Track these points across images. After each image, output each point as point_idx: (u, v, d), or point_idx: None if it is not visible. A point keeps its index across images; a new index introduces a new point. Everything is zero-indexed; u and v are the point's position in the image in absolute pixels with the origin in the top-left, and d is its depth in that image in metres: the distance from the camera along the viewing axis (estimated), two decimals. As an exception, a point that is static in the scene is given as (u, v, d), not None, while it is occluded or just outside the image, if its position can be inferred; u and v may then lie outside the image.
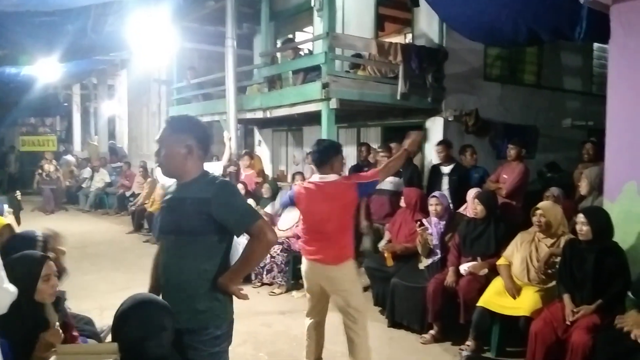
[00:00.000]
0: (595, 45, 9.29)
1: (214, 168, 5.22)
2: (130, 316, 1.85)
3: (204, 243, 2.27)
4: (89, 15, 6.49)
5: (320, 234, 3.47)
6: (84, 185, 13.49)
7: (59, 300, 2.63)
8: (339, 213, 3.44)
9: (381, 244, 5.51)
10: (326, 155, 3.49)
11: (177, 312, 2.07)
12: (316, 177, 3.51)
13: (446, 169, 6.20)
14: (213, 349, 2.26)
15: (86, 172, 13.77)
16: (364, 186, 3.47)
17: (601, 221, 3.60)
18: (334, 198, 3.41)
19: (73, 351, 2.23)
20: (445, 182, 6.13)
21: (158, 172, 5.44)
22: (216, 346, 2.27)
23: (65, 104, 19.23)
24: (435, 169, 6.40)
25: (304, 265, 3.62)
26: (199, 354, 2.23)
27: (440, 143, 6.40)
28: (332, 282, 3.47)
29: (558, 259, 3.91)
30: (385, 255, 5.08)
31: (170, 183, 2.50)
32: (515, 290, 4.03)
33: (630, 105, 3.89)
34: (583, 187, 4.63)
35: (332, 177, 3.45)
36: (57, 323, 2.38)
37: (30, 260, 2.35)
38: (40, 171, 12.81)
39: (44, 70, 11.22)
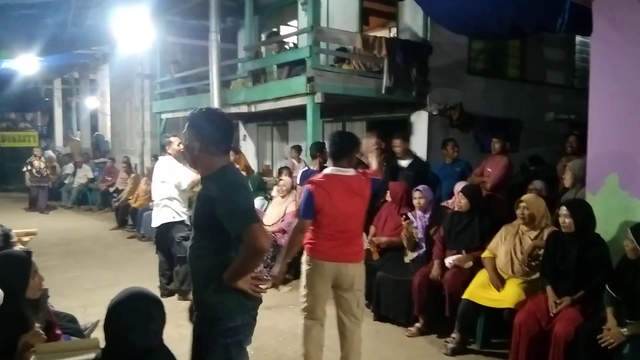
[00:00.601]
0: (577, 39, 9.39)
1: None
2: (119, 307, 1.86)
3: (211, 239, 2.30)
4: (69, 8, 6.40)
5: (346, 230, 3.30)
6: (66, 182, 13.30)
7: (41, 298, 2.59)
8: (363, 208, 3.37)
9: (365, 239, 5.51)
10: (346, 147, 3.33)
11: (196, 302, 2.35)
12: (334, 170, 3.32)
13: (404, 163, 5.95)
14: (225, 340, 2.30)
15: (68, 168, 13.58)
16: (376, 183, 3.41)
17: (584, 213, 3.64)
18: (359, 193, 3.30)
19: (53, 349, 2.20)
20: (402, 177, 5.83)
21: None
22: (228, 337, 2.31)
23: (47, 99, 18.93)
24: (394, 163, 6.06)
25: (320, 266, 3.31)
26: (212, 343, 2.31)
27: (397, 137, 6.15)
28: (354, 280, 3.35)
29: (541, 252, 3.95)
30: (371, 249, 5.09)
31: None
32: (499, 283, 4.06)
33: (612, 98, 3.93)
34: (567, 180, 4.67)
35: (351, 171, 3.32)
36: (38, 325, 2.35)
37: (17, 258, 2.33)
38: (29, 168, 12.04)
39: (24, 65, 11.04)
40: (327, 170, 3.40)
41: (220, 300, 2.30)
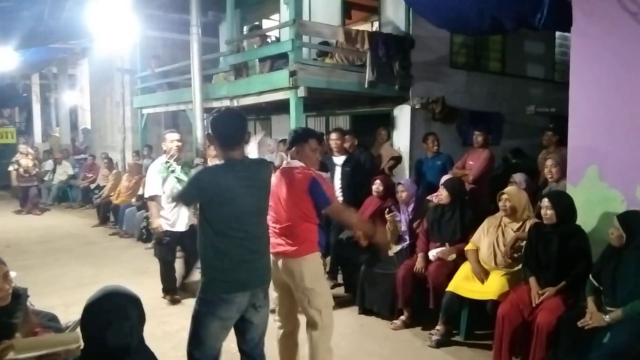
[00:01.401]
0: (557, 33, 9.50)
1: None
2: (94, 306, 1.82)
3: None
4: (46, 0, 6.25)
5: (280, 223, 3.24)
6: (45, 179, 13.06)
7: (19, 298, 2.54)
8: (293, 200, 3.19)
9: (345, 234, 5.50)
10: (293, 139, 3.37)
11: None
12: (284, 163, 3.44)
13: (339, 160, 5.83)
14: (196, 306, 2.73)
15: (48, 164, 13.34)
16: (316, 188, 3.16)
17: (565, 205, 3.69)
18: (290, 184, 3.20)
19: (32, 345, 2.16)
20: (338, 173, 5.79)
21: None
22: (198, 305, 2.72)
23: (24, 95, 18.57)
24: (329, 160, 5.86)
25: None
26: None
27: (334, 131, 6.08)
28: (294, 279, 3.20)
29: (524, 243, 3.99)
30: (359, 235, 5.09)
31: None
32: (483, 275, 4.10)
33: (592, 91, 3.99)
34: (555, 172, 4.68)
35: (295, 162, 3.30)
36: (18, 335, 2.29)
37: None
38: (16, 167, 11.41)
39: (0, 60, 10.79)
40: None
41: (201, 277, 2.79)
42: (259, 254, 2.77)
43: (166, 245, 5.14)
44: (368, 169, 6.22)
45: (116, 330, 1.78)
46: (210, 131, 2.74)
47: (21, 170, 11.35)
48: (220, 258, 2.65)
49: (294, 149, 3.35)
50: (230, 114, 2.80)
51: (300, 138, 3.35)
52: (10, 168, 11.55)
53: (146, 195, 5.36)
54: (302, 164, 3.29)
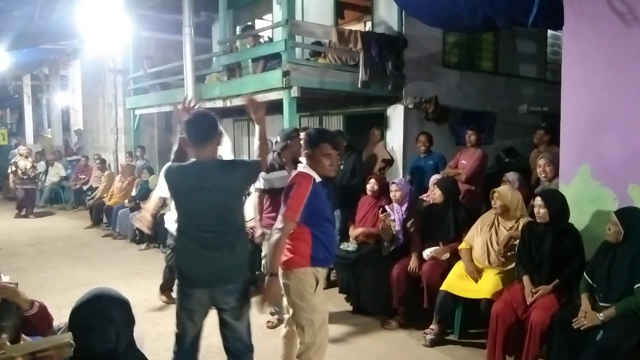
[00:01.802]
0: (549, 32, 9.54)
1: None
2: (79, 309, 1.78)
3: None
4: (37, 0, 6.20)
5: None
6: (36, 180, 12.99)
7: (9, 302, 2.51)
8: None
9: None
10: (305, 143, 3.14)
11: None
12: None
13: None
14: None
15: (40, 166, 13.25)
16: (286, 193, 3.03)
17: (558, 204, 3.71)
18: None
19: (23, 348, 2.13)
20: None
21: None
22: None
23: (16, 96, 18.44)
24: (296, 162, 5.59)
25: None
26: None
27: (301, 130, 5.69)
28: (283, 288, 3.07)
29: (517, 242, 4.01)
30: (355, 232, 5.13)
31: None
32: (476, 274, 4.11)
33: (583, 90, 4.00)
34: (549, 171, 4.69)
35: (300, 167, 3.16)
36: (5, 336, 2.26)
37: None
38: (14, 168, 11.05)
39: (-10, 61, 10.72)
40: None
41: None
42: (218, 253, 2.76)
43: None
44: (358, 170, 6.21)
45: (100, 334, 1.74)
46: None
47: (19, 172, 11.04)
48: (181, 253, 2.85)
49: (306, 152, 3.12)
50: (197, 115, 2.88)
51: (311, 141, 3.10)
52: (9, 170, 11.22)
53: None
54: (307, 170, 3.05)
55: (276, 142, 4.39)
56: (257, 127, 3.08)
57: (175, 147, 3.10)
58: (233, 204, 2.86)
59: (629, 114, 3.73)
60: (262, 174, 4.13)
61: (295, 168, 4.05)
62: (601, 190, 3.90)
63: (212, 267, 2.76)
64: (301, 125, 8.54)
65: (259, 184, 4.47)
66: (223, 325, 2.88)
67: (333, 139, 3.18)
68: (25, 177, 11.04)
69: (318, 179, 3.01)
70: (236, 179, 2.83)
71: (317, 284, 3.01)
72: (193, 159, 2.82)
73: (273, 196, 4.40)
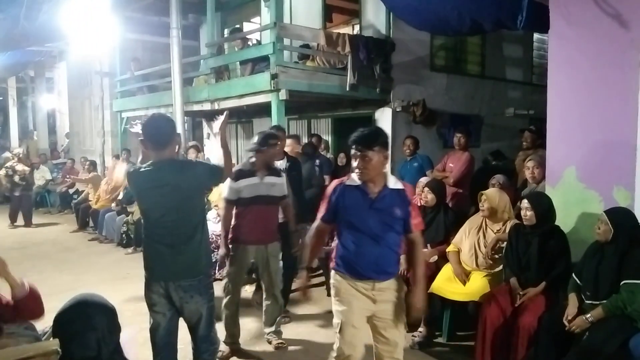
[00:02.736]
0: (535, 36, 9.64)
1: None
2: (63, 315, 1.76)
3: None
4: (22, 2, 6.13)
5: None
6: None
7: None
8: None
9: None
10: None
11: None
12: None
13: (282, 164, 4.76)
14: None
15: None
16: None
17: (544, 206, 3.73)
18: None
19: (9, 357, 2.10)
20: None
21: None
22: None
23: (0, 98, 18.22)
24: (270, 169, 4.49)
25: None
26: None
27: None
28: None
29: (504, 244, 4.02)
30: None
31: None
32: (464, 276, 4.12)
33: (569, 93, 4.04)
34: (537, 173, 4.69)
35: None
36: None
37: None
38: (10, 173, 10.16)
39: (-26, 63, 10.58)
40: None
41: None
42: (170, 249, 2.87)
43: None
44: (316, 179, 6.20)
45: (81, 341, 1.71)
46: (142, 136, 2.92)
47: (17, 177, 10.15)
48: (144, 248, 3.01)
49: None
50: (155, 117, 3.02)
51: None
52: (3, 174, 10.28)
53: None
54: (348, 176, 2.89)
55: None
56: (218, 137, 3.18)
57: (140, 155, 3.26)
58: (187, 203, 2.90)
59: (613, 117, 3.77)
60: (230, 182, 3.89)
61: (271, 174, 4.01)
62: (587, 193, 3.93)
63: (164, 263, 2.88)
64: (290, 127, 8.55)
65: (226, 193, 4.01)
66: (184, 318, 3.01)
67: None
68: (24, 182, 10.23)
69: (351, 183, 2.84)
70: (190, 177, 2.90)
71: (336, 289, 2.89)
72: (151, 161, 2.91)
73: (243, 207, 3.97)
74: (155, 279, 2.92)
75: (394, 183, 2.86)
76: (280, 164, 4.66)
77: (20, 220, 10.21)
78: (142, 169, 2.91)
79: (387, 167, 2.91)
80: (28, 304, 2.59)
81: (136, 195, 3.07)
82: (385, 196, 2.78)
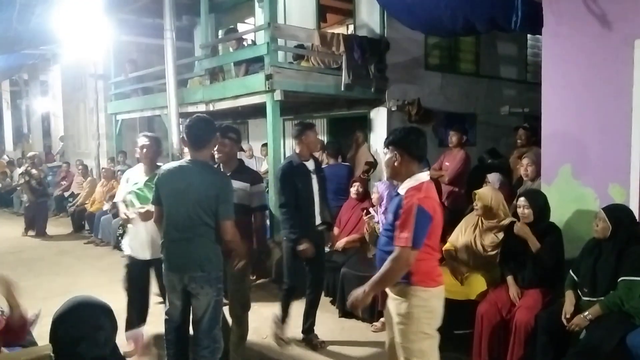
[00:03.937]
0: (529, 35, 9.65)
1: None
2: (65, 318, 1.76)
3: None
4: (14, 5, 6.10)
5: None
6: (18, 187, 12.76)
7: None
8: None
9: None
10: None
11: None
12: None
13: (311, 166, 4.33)
14: None
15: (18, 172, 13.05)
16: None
17: (541, 203, 3.74)
18: None
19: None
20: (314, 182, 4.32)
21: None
22: None
23: (-6, 102, 18.15)
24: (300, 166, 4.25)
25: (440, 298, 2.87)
26: None
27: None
28: None
29: (500, 239, 4.03)
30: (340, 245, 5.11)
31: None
32: (461, 275, 4.12)
33: (563, 91, 4.05)
34: (531, 171, 4.70)
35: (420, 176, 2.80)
36: None
37: None
38: (27, 178, 9.53)
39: (-33, 67, 10.53)
40: (422, 177, 2.74)
41: None
42: (186, 244, 3.08)
43: None
44: None
45: (90, 342, 1.74)
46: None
47: (33, 182, 9.50)
48: (163, 239, 3.20)
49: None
50: (196, 120, 3.19)
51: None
52: (21, 181, 9.61)
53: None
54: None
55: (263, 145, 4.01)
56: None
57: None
58: (201, 202, 3.05)
59: (608, 114, 3.78)
60: None
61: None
62: (582, 190, 3.94)
63: (183, 257, 3.11)
64: (285, 128, 8.54)
65: None
66: (192, 308, 3.19)
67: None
68: (40, 187, 9.62)
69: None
70: (208, 183, 3.08)
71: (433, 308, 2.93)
72: (183, 159, 3.21)
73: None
74: (169, 269, 3.18)
75: (404, 186, 2.73)
76: (308, 164, 4.28)
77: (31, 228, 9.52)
78: (171, 168, 3.18)
79: (414, 170, 2.79)
80: (16, 329, 2.59)
81: (161, 191, 3.20)
82: (392, 201, 2.79)
